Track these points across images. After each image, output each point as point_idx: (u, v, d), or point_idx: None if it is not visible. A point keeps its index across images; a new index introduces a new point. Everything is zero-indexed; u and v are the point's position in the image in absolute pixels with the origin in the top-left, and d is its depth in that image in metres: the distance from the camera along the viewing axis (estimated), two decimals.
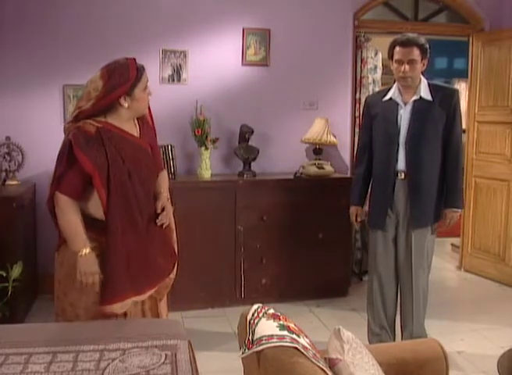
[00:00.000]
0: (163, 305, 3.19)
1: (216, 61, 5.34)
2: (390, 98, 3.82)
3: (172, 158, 4.95)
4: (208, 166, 5.06)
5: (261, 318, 1.95)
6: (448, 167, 3.79)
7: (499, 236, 5.77)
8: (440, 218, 3.85)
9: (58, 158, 2.83)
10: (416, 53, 3.66)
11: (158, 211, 3.02)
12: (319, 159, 5.34)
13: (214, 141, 5.04)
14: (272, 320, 1.94)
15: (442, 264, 6.39)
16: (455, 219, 3.84)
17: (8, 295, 3.68)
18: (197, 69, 5.29)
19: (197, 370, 2.33)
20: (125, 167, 2.84)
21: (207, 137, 4.99)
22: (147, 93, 2.95)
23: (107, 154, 2.78)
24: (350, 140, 5.79)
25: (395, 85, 3.85)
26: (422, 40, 3.71)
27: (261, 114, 5.46)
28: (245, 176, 5.12)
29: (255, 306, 2.05)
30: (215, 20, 5.31)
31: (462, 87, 11.20)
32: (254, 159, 5.22)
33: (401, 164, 3.75)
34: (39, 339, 2.53)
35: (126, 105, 2.86)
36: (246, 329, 1.97)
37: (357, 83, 5.79)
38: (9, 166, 4.99)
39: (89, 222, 2.84)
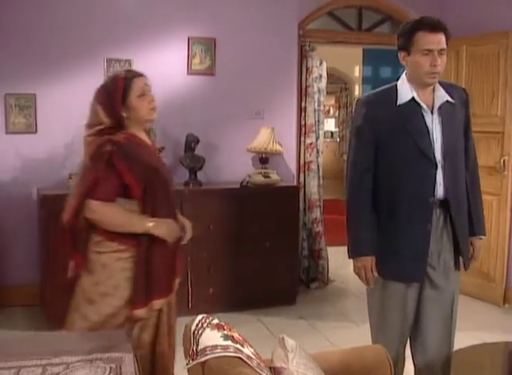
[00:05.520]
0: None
1: (161, 70, 5.28)
2: (410, 100, 2.80)
3: None
4: None
5: (205, 328, 1.95)
6: (471, 186, 2.98)
7: None
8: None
9: (89, 169, 2.78)
10: (444, 41, 2.73)
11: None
12: (265, 168, 5.35)
13: (159, 151, 4.98)
14: (216, 330, 1.93)
15: None
16: (481, 249, 3.07)
17: None
18: None
19: None
20: (160, 175, 2.89)
21: None
22: (148, 99, 2.88)
23: (141, 162, 2.81)
24: (296, 148, 5.84)
25: (404, 83, 2.85)
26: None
27: (207, 123, 5.44)
28: (191, 185, 5.10)
29: (199, 317, 2.05)
30: (159, 29, 5.29)
31: None
32: (200, 168, 5.21)
33: (439, 190, 2.82)
34: None
35: (124, 115, 2.83)
36: (190, 340, 1.97)
37: (303, 93, 5.83)
38: None
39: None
